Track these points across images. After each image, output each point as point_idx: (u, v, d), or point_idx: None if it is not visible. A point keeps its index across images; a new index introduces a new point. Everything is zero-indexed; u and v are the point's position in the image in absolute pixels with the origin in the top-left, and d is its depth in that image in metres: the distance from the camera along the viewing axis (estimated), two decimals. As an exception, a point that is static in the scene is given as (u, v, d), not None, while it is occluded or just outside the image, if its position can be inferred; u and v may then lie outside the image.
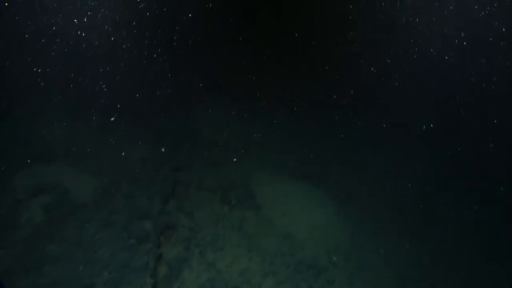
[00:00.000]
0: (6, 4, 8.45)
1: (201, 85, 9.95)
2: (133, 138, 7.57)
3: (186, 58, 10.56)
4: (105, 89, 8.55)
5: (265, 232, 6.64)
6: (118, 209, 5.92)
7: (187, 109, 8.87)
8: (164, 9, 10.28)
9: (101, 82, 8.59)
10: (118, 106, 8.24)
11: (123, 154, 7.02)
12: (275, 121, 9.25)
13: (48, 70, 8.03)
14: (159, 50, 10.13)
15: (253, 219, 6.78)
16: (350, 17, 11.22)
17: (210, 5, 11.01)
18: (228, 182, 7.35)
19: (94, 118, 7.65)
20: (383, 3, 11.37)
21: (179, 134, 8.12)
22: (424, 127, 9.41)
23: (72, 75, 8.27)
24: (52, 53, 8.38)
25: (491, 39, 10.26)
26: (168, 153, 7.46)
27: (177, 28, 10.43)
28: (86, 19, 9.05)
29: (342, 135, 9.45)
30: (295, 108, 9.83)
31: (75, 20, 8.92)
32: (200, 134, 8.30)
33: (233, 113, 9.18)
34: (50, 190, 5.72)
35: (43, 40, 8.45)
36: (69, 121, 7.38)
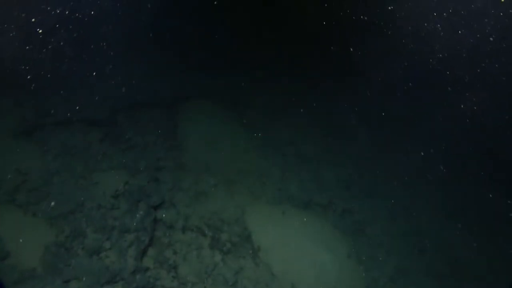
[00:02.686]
0: None
1: (189, 92, 8.25)
2: (104, 164, 5.92)
3: (172, 59, 8.78)
4: (66, 95, 6.76)
5: (264, 286, 5.28)
6: (78, 274, 4.38)
7: (172, 125, 7.21)
8: (144, 6, 8.38)
9: (61, 86, 6.79)
10: (84, 119, 6.52)
11: (90, 189, 5.40)
12: (273, 140, 7.74)
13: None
14: (138, 48, 8.29)
15: (250, 270, 5.39)
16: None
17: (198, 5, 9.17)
18: (220, 219, 5.89)
19: (51, 136, 5.92)
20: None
21: (162, 157, 6.51)
22: (449, 148, 8.12)
23: (23, 76, 6.42)
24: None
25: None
26: (147, 184, 5.87)
27: (159, 23, 8.59)
28: (51, 15, 7.11)
29: (349, 155, 8.06)
30: (295, 125, 8.32)
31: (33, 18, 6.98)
32: (187, 156, 6.71)
33: (225, 130, 7.60)
34: (-19, 254, 4.12)
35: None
36: (16, 142, 5.63)
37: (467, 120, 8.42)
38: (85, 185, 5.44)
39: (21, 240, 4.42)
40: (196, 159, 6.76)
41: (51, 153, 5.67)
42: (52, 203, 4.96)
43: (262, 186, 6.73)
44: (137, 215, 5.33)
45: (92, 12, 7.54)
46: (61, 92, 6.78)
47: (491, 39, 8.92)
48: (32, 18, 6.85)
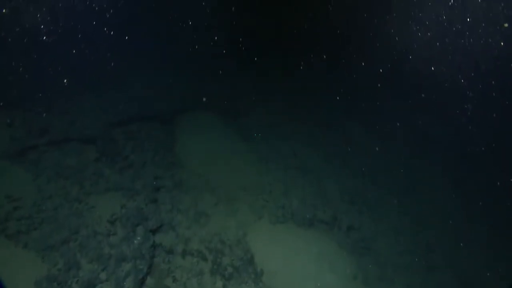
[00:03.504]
0: None
1: (188, 104, 7.92)
2: (100, 186, 5.61)
3: (169, 69, 8.43)
4: (60, 112, 6.44)
5: (268, 314, 5.00)
6: (72, 311, 4.10)
7: (171, 140, 6.89)
8: (140, 15, 8.01)
9: (55, 102, 6.45)
10: (79, 137, 6.20)
11: (85, 214, 5.10)
12: (275, 152, 7.42)
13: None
14: (133, 59, 7.95)
15: (253, 296, 5.10)
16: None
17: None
18: (221, 241, 5.58)
19: (44, 158, 5.60)
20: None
21: (160, 175, 6.19)
22: (459, 162, 7.80)
23: (14, 94, 6.09)
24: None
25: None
26: (145, 206, 5.56)
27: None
28: (44, 31, 6.75)
29: (352, 166, 7.75)
30: (298, 134, 8.00)
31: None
32: (186, 174, 6.40)
33: (226, 143, 7.28)
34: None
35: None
36: (8, 165, 5.32)
37: (479, 137, 8.09)
38: (80, 210, 5.13)
39: (11, 275, 4.13)
40: (196, 176, 6.44)
41: (45, 176, 5.36)
42: (41, 232, 4.66)
43: (264, 203, 6.42)
44: (135, 241, 5.02)
45: (87, 26, 7.19)
46: (55, 109, 6.48)
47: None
48: (25, 34, 6.51)
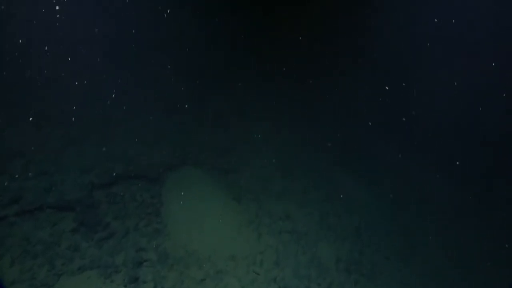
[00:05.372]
0: None
1: (176, 160, 7.41)
2: (74, 264, 4.88)
3: (156, 120, 7.99)
4: (36, 173, 5.80)
5: None
6: None
7: (156, 202, 6.29)
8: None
9: (31, 161, 5.84)
10: (55, 203, 5.53)
11: (52, 303, 4.34)
12: (267, 215, 6.90)
13: None
14: (116, 110, 7.48)
15: None
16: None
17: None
18: (208, 328, 4.87)
19: (12, 232, 4.89)
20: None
21: (144, 246, 5.52)
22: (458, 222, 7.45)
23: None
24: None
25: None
26: (126, 285, 4.84)
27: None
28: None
29: (348, 227, 7.27)
30: (291, 192, 7.55)
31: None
32: (172, 244, 5.74)
33: (216, 205, 6.71)
34: None
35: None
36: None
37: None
38: (46, 299, 4.38)
39: None
40: (182, 247, 5.78)
41: (9, 256, 4.62)
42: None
43: (255, 276, 5.79)
44: (108, 337, 4.27)
45: (67, 76, 6.76)
46: (31, 169, 5.83)
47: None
48: None
